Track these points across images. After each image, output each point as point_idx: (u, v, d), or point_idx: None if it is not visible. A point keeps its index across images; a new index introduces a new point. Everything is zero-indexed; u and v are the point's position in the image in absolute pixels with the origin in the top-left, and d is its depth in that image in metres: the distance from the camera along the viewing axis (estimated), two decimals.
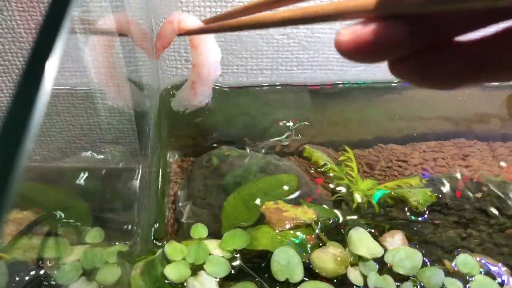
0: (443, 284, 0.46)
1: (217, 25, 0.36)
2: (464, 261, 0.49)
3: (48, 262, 0.48)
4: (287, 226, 0.50)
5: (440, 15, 0.22)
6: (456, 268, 0.48)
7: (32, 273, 0.47)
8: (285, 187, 0.55)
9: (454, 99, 0.72)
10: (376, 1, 0.22)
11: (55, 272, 0.47)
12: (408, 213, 0.53)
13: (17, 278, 0.46)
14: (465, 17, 0.22)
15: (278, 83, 0.73)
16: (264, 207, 0.52)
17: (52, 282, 0.46)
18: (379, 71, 0.73)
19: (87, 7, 0.52)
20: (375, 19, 0.22)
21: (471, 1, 0.19)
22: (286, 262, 0.46)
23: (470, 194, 0.56)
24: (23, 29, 0.64)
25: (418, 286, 0.46)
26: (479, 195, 0.55)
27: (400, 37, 0.22)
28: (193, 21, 0.51)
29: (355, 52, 0.23)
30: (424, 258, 0.49)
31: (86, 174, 0.58)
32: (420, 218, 0.53)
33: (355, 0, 0.23)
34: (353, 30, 0.22)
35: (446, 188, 0.56)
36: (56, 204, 0.54)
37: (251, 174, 0.55)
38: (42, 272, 0.47)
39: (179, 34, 0.50)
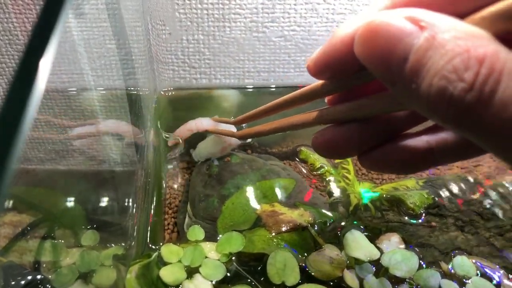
0: (440, 286, 0.46)
1: (248, 131, 0.47)
2: (461, 263, 0.48)
3: (44, 265, 0.48)
4: (283, 229, 0.50)
5: (384, 118, 0.28)
6: (452, 270, 0.48)
7: (29, 276, 0.46)
8: (283, 190, 0.54)
9: None
10: (313, 117, 0.31)
11: (52, 275, 0.47)
12: (404, 216, 0.53)
13: (13, 282, 0.46)
14: (404, 117, 0.28)
15: (275, 85, 0.74)
16: (260, 210, 0.51)
17: (48, 285, 0.46)
18: None
19: (83, 9, 0.52)
20: (336, 125, 0.29)
21: (372, 109, 0.26)
22: (282, 265, 0.46)
23: (467, 196, 0.56)
24: (20, 31, 0.64)
25: None
26: (476, 196, 0.55)
27: (354, 137, 0.27)
28: (208, 123, 0.61)
29: (326, 151, 0.29)
30: (420, 261, 0.49)
31: (82, 177, 0.58)
32: (416, 221, 0.53)
33: (302, 116, 0.33)
34: (323, 134, 0.29)
35: (443, 190, 0.56)
36: (51, 207, 0.53)
37: (251, 183, 0.55)
38: (38, 275, 0.47)
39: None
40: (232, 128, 0.58)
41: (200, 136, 0.62)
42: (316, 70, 0.26)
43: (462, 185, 0.56)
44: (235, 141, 0.59)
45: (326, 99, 0.31)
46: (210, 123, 0.60)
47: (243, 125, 0.57)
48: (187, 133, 0.61)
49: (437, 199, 0.55)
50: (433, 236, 0.52)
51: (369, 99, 0.26)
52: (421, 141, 0.27)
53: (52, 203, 0.55)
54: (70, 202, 0.54)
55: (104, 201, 0.56)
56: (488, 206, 0.54)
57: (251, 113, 0.45)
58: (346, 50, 0.24)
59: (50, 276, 0.47)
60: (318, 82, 0.29)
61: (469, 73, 0.17)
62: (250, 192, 0.54)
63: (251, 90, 0.73)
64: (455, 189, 0.56)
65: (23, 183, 0.54)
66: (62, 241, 0.50)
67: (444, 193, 0.55)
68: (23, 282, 0.46)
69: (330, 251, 0.48)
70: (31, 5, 0.62)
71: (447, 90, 0.18)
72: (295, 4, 0.65)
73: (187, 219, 0.54)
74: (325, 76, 0.27)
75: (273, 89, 0.73)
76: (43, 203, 0.54)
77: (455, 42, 0.18)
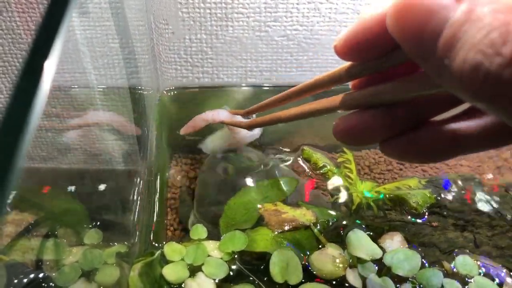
0: (442, 285, 0.46)
1: (260, 120, 0.45)
2: (463, 262, 0.49)
3: (47, 264, 0.48)
4: (286, 228, 0.50)
5: (410, 104, 0.26)
6: (455, 269, 0.48)
7: (31, 275, 0.47)
8: (285, 189, 0.54)
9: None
10: (336, 102, 0.29)
11: (54, 273, 0.47)
12: (407, 215, 0.53)
13: (16, 280, 0.46)
14: (433, 102, 0.26)
15: (277, 85, 0.74)
16: (263, 209, 0.52)
17: (51, 283, 0.46)
18: None
19: (87, 8, 0.52)
20: (355, 112, 0.27)
21: (407, 92, 0.24)
22: (284, 264, 0.46)
23: (470, 195, 0.56)
24: (23, 30, 0.64)
25: (417, 287, 0.46)
26: (478, 196, 0.55)
27: (378, 124, 0.26)
28: (225, 115, 0.59)
29: (348, 138, 0.28)
30: (423, 260, 0.49)
31: (84, 176, 0.58)
32: (419, 220, 0.53)
33: (324, 101, 0.31)
34: (345, 121, 0.28)
35: (445, 190, 0.56)
36: (53, 206, 0.54)
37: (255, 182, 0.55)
38: (41, 273, 0.47)
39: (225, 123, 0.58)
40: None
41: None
42: (344, 50, 0.25)
43: (465, 185, 0.56)
44: (249, 136, 0.59)
45: (350, 84, 0.29)
46: (227, 115, 0.58)
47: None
48: (202, 123, 0.60)
49: (439, 198, 0.55)
50: (435, 235, 0.52)
51: (397, 82, 0.24)
52: (448, 128, 0.26)
53: (54, 201, 0.55)
54: (73, 201, 0.54)
55: (107, 200, 0.56)
56: (491, 205, 0.54)
57: (265, 102, 0.43)
58: (378, 27, 0.23)
59: (53, 274, 0.47)
60: (343, 65, 0.28)
61: (507, 48, 0.16)
62: (252, 191, 0.54)
63: (254, 89, 0.73)
64: (457, 188, 0.56)
65: (25, 182, 0.54)
66: (65, 239, 0.51)
67: (448, 192, 0.55)
68: (25, 281, 0.46)
69: (333, 250, 0.48)
70: (34, 4, 0.62)
71: (483, 66, 0.17)
72: (297, 4, 0.65)
73: (191, 217, 0.54)
74: (353, 56, 0.26)
75: (276, 88, 0.73)
76: (45, 201, 0.55)
77: (494, 16, 0.17)
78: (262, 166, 0.57)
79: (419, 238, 0.52)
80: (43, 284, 0.46)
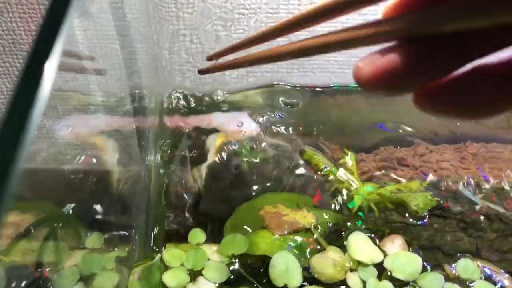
0: None
1: (235, 61, 0.32)
2: (465, 266, 0.48)
3: (46, 266, 0.48)
4: (286, 231, 0.49)
5: (462, 39, 0.19)
6: (456, 273, 0.48)
7: (31, 277, 0.46)
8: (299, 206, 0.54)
9: None
10: (362, 34, 0.21)
11: (53, 276, 0.47)
12: (408, 218, 0.53)
13: (15, 282, 0.46)
14: (488, 35, 0.20)
15: (278, 85, 0.73)
16: (263, 211, 0.51)
17: (50, 286, 0.46)
18: None
19: (87, 8, 0.52)
20: (394, 46, 0.20)
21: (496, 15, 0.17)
22: (284, 267, 0.46)
23: (471, 198, 0.55)
24: (23, 31, 0.64)
25: None
26: (480, 198, 0.55)
27: (425, 64, 0.20)
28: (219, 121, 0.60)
29: (378, 85, 0.20)
30: (424, 263, 0.48)
31: (85, 178, 0.58)
32: (420, 222, 0.53)
33: (338, 35, 0.22)
34: (371, 61, 0.20)
35: (447, 192, 0.56)
36: (54, 208, 0.54)
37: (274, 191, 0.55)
38: (40, 276, 0.47)
39: (201, 73, 0.49)
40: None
41: None
42: None
43: (467, 187, 0.56)
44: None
45: (383, 10, 0.23)
46: (221, 120, 0.58)
47: None
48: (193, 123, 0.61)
49: (440, 200, 0.54)
50: (436, 238, 0.52)
51: (459, 2, 0.18)
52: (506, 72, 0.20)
53: (55, 203, 0.55)
54: (74, 204, 0.54)
55: (109, 203, 0.56)
56: (492, 208, 0.54)
57: (237, 43, 0.33)
58: None
59: (51, 277, 0.47)
60: None
61: None
62: (267, 201, 0.54)
63: (255, 89, 0.73)
64: (459, 191, 0.56)
65: (25, 183, 0.54)
66: (65, 242, 0.50)
67: (449, 195, 0.55)
68: (25, 282, 0.46)
69: (333, 253, 0.48)
70: (35, 5, 0.62)
71: None
72: (299, 5, 0.65)
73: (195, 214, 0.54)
74: None
75: (281, 90, 0.73)
76: (47, 203, 0.55)
77: None
78: (281, 164, 0.56)
79: (420, 241, 0.51)
80: (42, 287, 0.46)
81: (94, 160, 0.61)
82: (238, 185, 0.54)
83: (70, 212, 0.53)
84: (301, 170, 0.57)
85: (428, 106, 0.21)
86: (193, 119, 0.61)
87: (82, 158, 0.62)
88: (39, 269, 0.47)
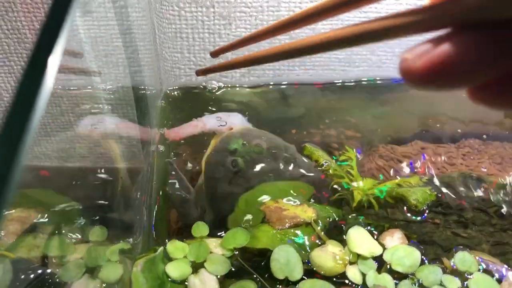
0: (441, 282, 0.47)
1: (234, 60, 0.31)
2: (462, 259, 0.49)
3: (52, 260, 0.49)
4: (287, 225, 0.50)
5: None
6: (454, 266, 0.49)
7: (37, 271, 0.47)
8: (301, 195, 0.55)
9: (456, 98, 0.73)
10: (407, 19, 0.18)
11: (59, 269, 0.48)
12: (407, 213, 0.53)
13: (22, 276, 0.47)
14: None
15: (279, 83, 0.74)
16: (264, 206, 0.52)
17: (56, 279, 0.47)
18: (379, 71, 0.74)
19: (90, 7, 0.53)
20: (449, 35, 0.17)
21: None
22: (285, 261, 0.47)
23: (470, 193, 0.56)
24: (28, 30, 0.65)
25: (416, 284, 0.46)
26: (480, 194, 0.56)
27: (490, 55, 0.17)
28: (213, 123, 0.62)
29: (430, 79, 0.18)
30: (423, 257, 0.49)
31: (88, 173, 0.59)
32: (419, 217, 0.53)
33: (376, 23, 0.19)
34: (422, 53, 0.18)
35: (446, 187, 0.56)
36: (58, 203, 0.54)
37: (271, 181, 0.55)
38: (46, 270, 0.48)
39: (198, 74, 0.49)
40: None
41: None
42: None
43: (466, 183, 0.57)
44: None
45: None
46: (215, 122, 0.60)
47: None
48: (189, 131, 0.63)
49: (440, 195, 0.55)
50: (436, 233, 0.52)
51: None
52: None
53: (58, 199, 0.56)
54: (77, 199, 0.55)
55: (112, 197, 0.56)
56: (492, 203, 0.55)
57: (240, 40, 0.32)
58: None
59: (57, 270, 0.48)
60: None
61: None
62: (266, 190, 0.54)
63: (257, 87, 0.73)
64: (459, 186, 0.56)
65: (30, 180, 0.55)
66: (70, 236, 0.51)
67: (448, 190, 0.56)
68: (32, 276, 0.47)
69: (333, 247, 0.49)
70: (39, 4, 0.62)
71: None
72: (300, 3, 0.65)
73: (198, 211, 0.55)
74: None
75: (283, 87, 0.74)
76: (50, 199, 0.55)
77: None
78: (277, 156, 0.56)
79: (420, 235, 0.52)
80: (49, 280, 0.47)
81: (99, 156, 0.62)
82: (238, 181, 0.54)
83: (77, 206, 0.54)
84: (297, 162, 0.58)
85: (489, 99, 0.19)
86: (187, 128, 0.63)
87: (88, 153, 0.63)
88: (46, 263, 0.48)
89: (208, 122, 0.62)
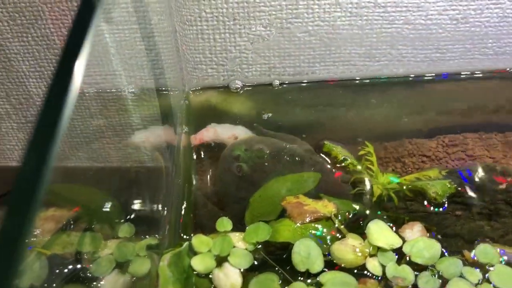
0: (462, 274, 0.47)
1: None
2: (484, 251, 0.49)
3: (84, 256, 0.51)
4: (308, 219, 0.51)
5: None
6: (475, 258, 0.49)
7: (70, 266, 0.50)
8: (309, 183, 0.56)
9: (477, 90, 0.72)
10: None
11: (91, 265, 0.50)
12: (427, 205, 0.54)
13: (57, 271, 0.49)
14: None
15: (300, 81, 0.75)
16: (285, 201, 0.53)
17: (88, 274, 0.50)
18: (402, 66, 0.74)
19: (113, 12, 0.55)
20: None
21: None
22: (306, 254, 0.48)
23: (493, 185, 0.56)
24: (57, 36, 0.68)
25: (436, 276, 0.47)
26: (503, 186, 0.56)
27: None
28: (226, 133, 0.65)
29: None
30: (443, 249, 0.49)
31: (117, 173, 0.61)
32: (440, 210, 0.53)
33: None
34: None
35: (469, 180, 0.56)
36: (89, 202, 0.57)
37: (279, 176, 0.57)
38: (79, 265, 0.50)
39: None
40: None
41: None
42: None
43: (489, 175, 0.57)
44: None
45: None
46: (227, 132, 0.63)
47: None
48: (207, 138, 0.65)
49: (461, 188, 0.55)
50: (458, 225, 0.53)
51: None
52: None
53: (89, 198, 0.58)
54: (107, 197, 0.57)
55: (139, 195, 0.59)
56: None
57: None
58: None
59: (89, 266, 0.50)
60: None
61: None
62: (277, 185, 0.56)
63: (277, 86, 0.75)
64: (481, 178, 0.56)
65: (63, 180, 0.57)
66: (100, 233, 0.54)
67: (470, 183, 0.56)
68: (66, 272, 0.49)
69: (353, 240, 0.50)
70: (66, 11, 0.65)
71: None
72: (318, 0, 0.66)
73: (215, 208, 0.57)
74: None
75: (304, 85, 0.75)
76: (82, 199, 0.58)
77: None
78: (279, 158, 0.59)
79: (443, 228, 0.52)
80: (81, 275, 0.50)
81: (128, 156, 0.64)
82: (244, 185, 0.57)
83: (112, 204, 0.56)
84: (306, 161, 0.59)
85: None
86: (205, 133, 0.65)
87: (117, 153, 0.65)
88: (79, 259, 0.51)
89: (221, 131, 0.65)
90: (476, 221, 0.53)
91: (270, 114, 0.70)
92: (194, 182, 0.61)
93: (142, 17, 0.59)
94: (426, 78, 0.75)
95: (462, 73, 0.75)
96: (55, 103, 0.25)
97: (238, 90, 0.74)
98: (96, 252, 0.52)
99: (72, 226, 0.54)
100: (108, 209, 0.57)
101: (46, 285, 0.48)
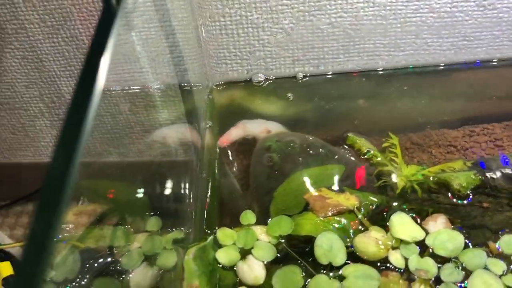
0: (486, 265, 0.47)
1: None
2: (508, 242, 0.49)
3: (115, 249, 0.53)
4: (330, 213, 0.52)
5: None
6: (500, 249, 0.48)
7: (102, 259, 0.52)
8: (333, 176, 0.56)
9: (505, 79, 0.71)
10: None
11: (122, 258, 0.52)
12: (452, 197, 0.53)
13: (90, 264, 0.51)
14: None
15: (325, 72, 0.75)
16: (308, 194, 0.54)
17: (118, 267, 0.51)
18: (427, 55, 0.73)
19: (137, 12, 0.56)
20: None
21: None
22: (328, 247, 0.49)
23: None
24: (85, 37, 0.70)
25: (460, 267, 0.47)
26: None
27: None
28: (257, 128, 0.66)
29: None
30: (467, 241, 0.49)
31: (145, 168, 0.63)
32: (465, 201, 0.53)
33: None
34: None
35: (496, 171, 0.55)
36: (119, 197, 0.59)
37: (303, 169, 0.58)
38: (110, 258, 0.52)
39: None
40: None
41: None
42: None
43: None
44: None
45: None
46: (258, 127, 0.64)
47: None
48: (237, 136, 0.67)
49: (488, 179, 0.54)
50: (485, 217, 0.52)
51: None
52: None
53: (119, 193, 0.60)
54: (136, 192, 0.59)
55: (165, 190, 0.60)
56: None
57: None
58: None
59: (120, 259, 0.52)
60: None
61: None
62: (301, 178, 0.56)
63: (301, 79, 0.75)
64: (508, 169, 0.55)
65: (95, 175, 0.60)
66: (130, 227, 0.55)
67: (496, 174, 0.55)
68: (97, 264, 0.51)
69: (376, 232, 0.50)
70: (93, 12, 0.67)
71: None
72: None
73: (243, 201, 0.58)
74: None
75: (328, 76, 0.75)
76: (112, 193, 0.60)
77: None
78: (309, 150, 0.59)
79: (469, 220, 0.52)
80: (112, 268, 0.52)
81: (158, 151, 0.66)
82: (274, 175, 0.58)
83: (140, 198, 0.58)
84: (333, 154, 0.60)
85: None
86: (233, 132, 0.66)
87: (145, 149, 0.67)
88: (110, 252, 0.53)
89: (251, 127, 0.66)
90: (504, 212, 0.52)
91: (293, 107, 0.70)
92: (217, 177, 0.62)
93: (166, 15, 0.60)
94: (452, 67, 0.73)
95: (490, 61, 0.74)
96: (81, 102, 0.26)
97: (261, 83, 0.74)
98: (127, 245, 0.54)
99: (103, 221, 0.56)
100: (137, 203, 0.58)
101: (79, 277, 0.50)
